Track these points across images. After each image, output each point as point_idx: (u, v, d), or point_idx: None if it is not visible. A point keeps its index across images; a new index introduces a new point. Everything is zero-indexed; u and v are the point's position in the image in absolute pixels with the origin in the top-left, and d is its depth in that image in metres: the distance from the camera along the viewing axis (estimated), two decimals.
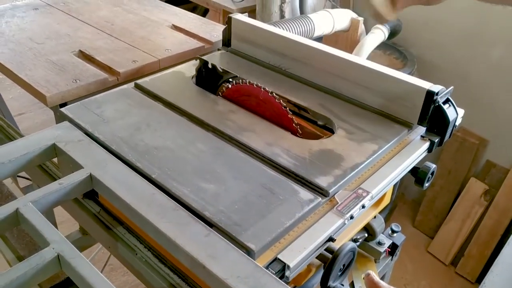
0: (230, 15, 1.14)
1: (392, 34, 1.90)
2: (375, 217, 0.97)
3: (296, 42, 1.06)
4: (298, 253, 0.62)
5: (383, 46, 1.91)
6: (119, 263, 0.83)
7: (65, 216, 0.93)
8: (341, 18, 1.83)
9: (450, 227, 2.16)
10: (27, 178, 1.31)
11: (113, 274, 1.96)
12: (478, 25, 1.87)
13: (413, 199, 2.44)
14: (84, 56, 1.16)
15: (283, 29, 1.57)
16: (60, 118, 0.89)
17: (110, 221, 0.77)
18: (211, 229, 0.64)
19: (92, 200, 0.81)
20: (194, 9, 2.75)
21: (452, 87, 0.89)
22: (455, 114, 0.90)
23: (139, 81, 0.99)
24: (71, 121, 0.86)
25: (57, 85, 1.00)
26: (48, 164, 0.91)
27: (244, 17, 1.14)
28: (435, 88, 0.87)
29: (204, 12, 2.80)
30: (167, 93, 0.95)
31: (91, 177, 0.73)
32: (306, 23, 1.65)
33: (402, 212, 2.40)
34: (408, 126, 0.89)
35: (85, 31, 1.29)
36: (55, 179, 0.90)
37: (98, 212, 0.79)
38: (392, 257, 1.06)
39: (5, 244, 0.91)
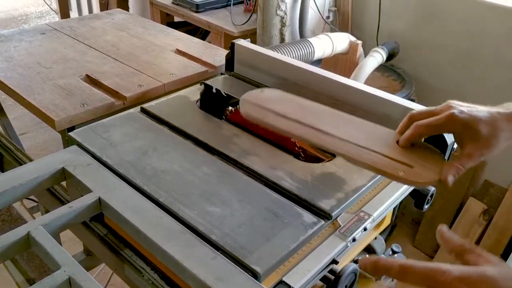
0: (233, 40, 1.18)
1: (390, 56, 1.94)
2: (376, 238, 0.98)
3: (296, 67, 1.09)
4: (303, 276, 0.64)
5: (381, 68, 1.95)
6: (120, 283, 0.84)
7: (66, 236, 0.94)
8: (340, 41, 1.87)
9: None
10: (32, 200, 1.33)
11: None
12: (474, 47, 1.91)
13: (412, 218, 2.45)
14: (91, 80, 1.19)
15: (283, 53, 1.61)
16: (69, 142, 0.92)
17: (117, 244, 0.78)
18: (217, 252, 0.66)
19: (99, 223, 0.82)
20: (194, 31, 2.80)
21: None
22: (453, 137, 0.92)
23: (145, 105, 1.02)
24: (79, 145, 0.89)
25: (65, 109, 1.03)
26: (56, 186, 0.93)
27: (246, 43, 1.18)
28: None
29: (204, 34, 2.85)
30: (173, 117, 0.98)
31: (99, 201, 0.75)
32: (306, 46, 1.69)
33: (402, 232, 2.41)
34: None
35: (92, 56, 1.32)
36: (62, 202, 0.92)
37: (105, 234, 0.81)
38: (393, 278, 1.07)
39: (15, 266, 0.92)
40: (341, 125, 0.73)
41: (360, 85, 1.02)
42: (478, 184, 2.14)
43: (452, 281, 0.48)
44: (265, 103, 0.79)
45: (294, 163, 0.87)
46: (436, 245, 2.25)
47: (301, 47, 1.68)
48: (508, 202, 1.99)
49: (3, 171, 1.15)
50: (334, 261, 0.70)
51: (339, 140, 0.70)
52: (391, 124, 0.95)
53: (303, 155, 0.92)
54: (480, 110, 0.65)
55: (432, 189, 0.90)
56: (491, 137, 0.64)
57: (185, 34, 1.52)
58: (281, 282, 0.64)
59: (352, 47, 1.92)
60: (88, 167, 0.82)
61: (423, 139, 0.72)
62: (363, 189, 0.80)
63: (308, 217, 0.73)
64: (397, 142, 0.70)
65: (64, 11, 3.65)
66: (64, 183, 0.86)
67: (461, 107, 0.66)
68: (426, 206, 0.90)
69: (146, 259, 0.75)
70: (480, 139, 0.64)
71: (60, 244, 1.03)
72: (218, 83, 1.14)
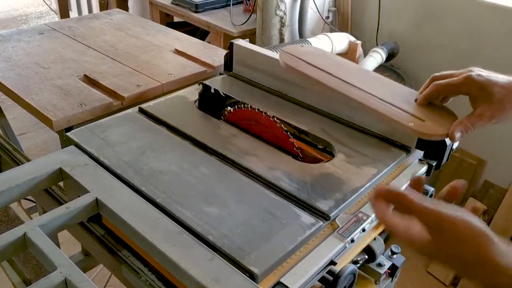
0: (232, 41, 1.17)
1: (390, 56, 1.94)
2: (375, 239, 0.98)
3: None
4: (301, 277, 0.64)
5: (381, 68, 1.95)
6: (118, 284, 0.84)
7: (65, 237, 0.94)
8: (340, 41, 1.87)
9: None
10: (30, 200, 1.32)
11: None
12: (473, 47, 1.91)
13: None
14: (89, 80, 1.19)
15: None
16: (66, 142, 0.91)
17: (114, 244, 0.78)
18: (214, 253, 0.65)
19: (96, 223, 0.82)
20: (194, 31, 2.80)
21: None
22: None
23: (143, 106, 1.02)
24: (77, 145, 0.88)
25: (63, 110, 1.03)
26: (53, 187, 0.93)
27: (245, 43, 1.17)
28: None
29: (203, 34, 2.85)
30: (171, 118, 0.98)
31: (97, 201, 0.75)
32: None
33: None
34: (407, 150, 0.92)
35: (90, 56, 1.32)
36: (59, 202, 0.91)
37: (102, 235, 0.80)
38: (392, 279, 1.06)
39: (11, 267, 0.92)
40: (368, 81, 0.81)
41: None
42: (478, 184, 2.13)
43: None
44: (303, 55, 0.88)
45: (292, 163, 0.87)
46: None
47: None
48: (508, 203, 1.99)
49: (0, 172, 1.15)
50: (333, 262, 0.69)
51: (364, 93, 0.77)
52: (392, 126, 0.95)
53: (301, 156, 0.91)
54: (499, 76, 0.67)
55: (431, 189, 0.90)
56: (505, 100, 0.65)
57: (184, 34, 1.52)
58: (279, 283, 0.63)
59: (351, 47, 1.91)
60: (85, 168, 0.81)
61: (443, 102, 0.76)
62: (362, 189, 0.80)
63: (306, 218, 0.73)
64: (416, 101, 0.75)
65: (63, 11, 3.65)
66: (61, 184, 0.86)
67: (480, 71, 0.68)
68: None
69: (143, 260, 0.74)
70: (493, 101, 0.65)
71: (58, 244, 1.03)
72: (216, 83, 1.13)
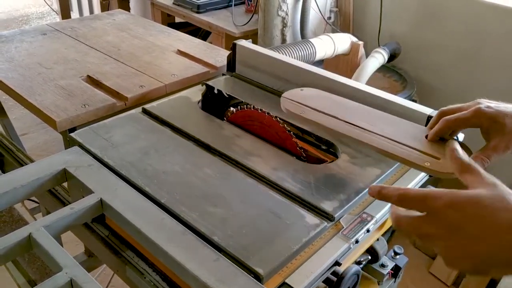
0: (235, 41, 1.18)
1: (392, 57, 1.94)
2: (378, 239, 0.98)
3: (298, 68, 1.09)
4: (306, 278, 0.64)
5: (383, 68, 1.95)
6: (121, 284, 0.84)
7: (68, 237, 0.94)
8: (342, 42, 1.87)
9: None
10: (33, 200, 1.32)
11: None
12: (475, 47, 1.91)
13: None
14: (92, 81, 1.19)
15: (285, 53, 1.61)
16: (70, 142, 0.91)
17: (118, 245, 0.78)
18: (219, 253, 0.65)
19: (100, 224, 0.82)
20: (195, 31, 2.80)
21: None
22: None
23: (146, 106, 1.02)
24: (81, 146, 0.88)
25: (67, 110, 1.03)
26: (57, 187, 0.93)
27: (248, 44, 1.17)
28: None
29: (204, 35, 2.85)
30: (174, 118, 0.98)
31: (101, 202, 0.75)
32: (308, 47, 1.69)
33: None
34: None
35: (93, 56, 1.32)
36: (63, 203, 0.91)
37: (106, 235, 0.80)
38: (395, 279, 1.06)
39: (16, 268, 0.92)
40: (375, 122, 0.79)
41: (361, 85, 1.01)
42: None
43: (441, 208, 0.50)
44: (305, 100, 0.86)
45: (296, 164, 0.87)
46: None
47: (303, 48, 1.68)
48: None
49: (4, 172, 1.15)
50: (337, 263, 0.69)
51: (375, 136, 0.76)
52: None
53: (304, 156, 0.91)
54: (508, 106, 0.67)
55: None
56: None
57: (186, 35, 1.52)
58: (284, 284, 0.63)
59: (353, 48, 1.91)
60: (89, 168, 0.82)
61: (455, 136, 0.75)
62: (366, 190, 0.80)
63: (311, 218, 0.73)
64: (426, 137, 0.74)
65: (65, 12, 3.65)
66: (65, 184, 0.86)
67: (489, 103, 0.68)
68: None
69: (147, 260, 0.74)
70: (506, 132, 0.66)
71: (61, 245, 1.03)
72: (219, 83, 1.13)
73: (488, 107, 0.67)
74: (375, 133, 0.77)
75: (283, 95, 0.88)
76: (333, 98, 0.88)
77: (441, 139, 0.73)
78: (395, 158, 0.73)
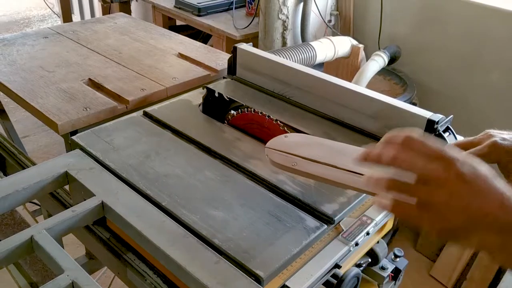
0: (236, 45, 1.18)
1: (392, 60, 1.94)
2: (378, 242, 0.98)
3: (299, 71, 1.09)
4: (306, 280, 0.64)
5: (383, 71, 1.96)
6: (122, 286, 0.85)
7: (68, 240, 0.94)
8: (342, 45, 1.88)
9: (451, 251, 2.16)
10: (35, 203, 1.33)
11: None
12: (475, 51, 1.91)
13: None
14: (94, 84, 1.20)
15: (285, 56, 1.61)
16: (71, 145, 0.92)
17: (119, 248, 0.78)
18: (220, 256, 0.66)
19: (101, 226, 0.82)
20: (196, 34, 2.81)
21: (451, 116, 0.92)
22: (454, 141, 0.92)
23: (147, 109, 1.02)
24: (83, 149, 0.89)
25: (68, 113, 1.03)
26: (58, 190, 0.93)
27: (248, 47, 1.18)
28: (436, 117, 0.89)
29: (205, 38, 2.86)
30: (175, 121, 0.98)
31: (102, 205, 0.75)
32: (308, 50, 1.70)
33: (404, 236, 2.41)
34: None
35: (94, 60, 1.33)
36: (65, 205, 0.92)
37: (108, 238, 0.81)
38: (395, 282, 1.07)
39: (17, 270, 0.92)
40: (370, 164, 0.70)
41: (362, 89, 1.02)
42: None
43: (459, 158, 0.49)
44: (291, 149, 0.75)
45: None
46: (438, 249, 2.24)
47: (303, 51, 1.69)
48: None
49: (6, 175, 1.16)
50: (337, 266, 0.70)
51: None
52: (394, 129, 0.95)
53: None
54: None
55: None
56: None
57: (187, 38, 1.53)
58: (284, 286, 0.64)
59: (354, 51, 1.92)
60: (91, 171, 0.82)
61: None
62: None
63: (311, 221, 0.73)
64: None
65: (66, 15, 3.66)
66: (67, 187, 0.86)
67: (502, 134, 0.65)
68: None
69: (148, 263, 0.75)
70: None
71: (63, 248, 1.03)
72: (220, 87, 1.14)
73: (504, 139, 0.63)
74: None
75: (267, 145, 0.77)
76: (321, 142, 0.78)
77: None
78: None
